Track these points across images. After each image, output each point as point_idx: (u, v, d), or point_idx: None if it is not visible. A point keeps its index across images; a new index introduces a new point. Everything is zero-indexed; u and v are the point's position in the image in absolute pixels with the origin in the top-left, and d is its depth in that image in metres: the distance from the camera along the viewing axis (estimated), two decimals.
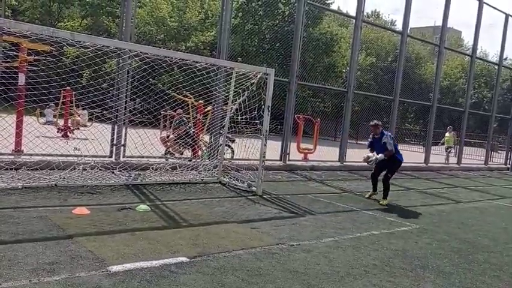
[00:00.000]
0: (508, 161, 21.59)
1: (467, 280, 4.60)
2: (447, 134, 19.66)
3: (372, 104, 25.32)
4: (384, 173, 9.10)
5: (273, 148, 12.17)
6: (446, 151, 19.50)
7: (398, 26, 33.81)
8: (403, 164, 16.59)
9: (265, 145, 8.45)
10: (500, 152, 24.30)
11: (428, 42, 25.21)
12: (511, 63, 26.84)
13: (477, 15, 18.06)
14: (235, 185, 8.86)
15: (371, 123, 9.13)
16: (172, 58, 7.81)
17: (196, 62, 7.95)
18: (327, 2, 30.10)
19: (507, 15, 19.25)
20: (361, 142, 28.80)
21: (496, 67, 21.01)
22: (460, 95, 33.15)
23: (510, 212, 9.48)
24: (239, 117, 9.07)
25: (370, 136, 9.14)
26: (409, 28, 16.41)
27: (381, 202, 8.76)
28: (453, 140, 19.69)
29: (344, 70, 27.93)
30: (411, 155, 19.66)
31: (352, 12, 14.62)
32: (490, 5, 18.31)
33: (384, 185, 8.94)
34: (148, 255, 4.36)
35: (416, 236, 6.33)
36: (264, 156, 8.52)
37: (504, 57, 22.05)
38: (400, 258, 5.15)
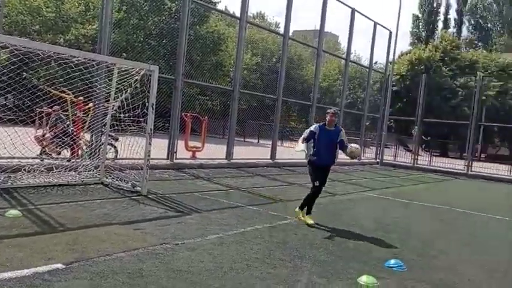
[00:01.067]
0: (378, 155, 23.77)
1: (338, 266, 5.00)
2: None
3: (259, 102, 26.12)
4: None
5: (160, 146, 11.97)
6: None
7: (282, 29, 35.18)
8: (287, 161, 17.56)
9: (150, 144, 8.28)
10: (371, 147, 26.66)
11: (307, 45, 26.65)
12: (380, 66, 29.57)
13: (350, 21, 19.59)
14: (118, 185, 8.55)
15: (330, 110, 7.19)
16: (46, 51, 7.27)
17: (73, 57, 7.50)
18: (213, 1, 30.31)
19: (375, 23, 21.18)
20: (248, 140, 29.61)
21: (368, 70, 22.98)
22: (337, 95, 35.67)
23: (378, 203, 10.47)
24: (122, 115, 8.75)
25: (316, 126, 7.11)
26: (291, 31, 17.25)
27: (308, 221, 7.04)
28: None
29: (231, 69, 28.37)
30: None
31: (238, 12, 14.90)
32: (361, 13, 19.98)
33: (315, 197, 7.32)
34: (18, 264, 4.03)
35: (296, 228, 6.70)
36: (149, 155, 8.35)
37: (374, 61, 24.24)
38: (280, 250, 5.42)
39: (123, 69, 8.52)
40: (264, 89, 26.70)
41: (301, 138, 7.10)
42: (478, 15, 69.95)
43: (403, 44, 62.32)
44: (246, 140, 29.85)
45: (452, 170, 22.23)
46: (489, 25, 69.74)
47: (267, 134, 24.73)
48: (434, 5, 68.71)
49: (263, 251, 5.30)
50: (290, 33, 18.74)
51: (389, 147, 27.92)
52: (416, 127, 23.61)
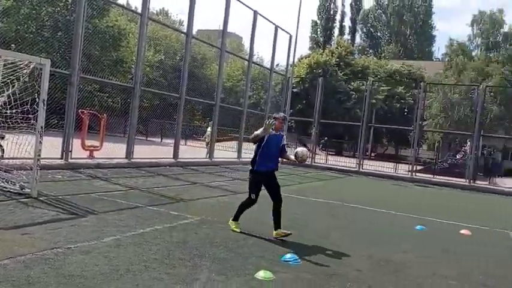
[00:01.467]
0: None
1: (237, 263, 5.11)
2: (209, 129, 20.08)
3: (162, 100, 25.60)
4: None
5: (54, 145, 11.26)
6: (207, 146, 19.68)
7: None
8: (190, 160, 17.46)
9: (40, 142, 7.74)
10: None
11: (211, 44, 26.72)
12: (281, 69, 30.63)
13: (252, 23, 20.01)
14: (4, 187, 7.87)
15: (279, 115, 6.76)
16: None
17: None
18: None
19: (276, 27, 21.87)
20: (151, 139, 28.91)
21: (269, 72, 23.63)
22: (241, 96, 36.24)
23: None
24: (9, 111, 8.07)
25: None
26: (195, 30, 17.18)
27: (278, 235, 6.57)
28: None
29: (133, 66, 27.47)
30: (200, 150, 20.64)
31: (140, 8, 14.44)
32: (263, 16, 20.49)
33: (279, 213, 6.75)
34: None
35: (197, 227, 6.71)
36: (40, 154, 7.80)
37: (276, 63, 25.02)
38: (180, 250, 5.39)
39: (10, 61, 7.86)
40: (167, 87, 26.27)
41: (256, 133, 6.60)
42: (369, 25, 75.50)
43: (303, 48, 65.13)
44: (149, 138, 29.14)
45: (345, 168, 23.74)
46: (379, 34, 75.64)
47: (171, 133, 24.37)
48: (331, 12, 72.86)
49: (162, 251, 5.23)
50: (194, 32, 18.66)
51: (290, 147, 28.94)
52: (314, 128, 24.82)
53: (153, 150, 17.91)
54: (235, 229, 6.70)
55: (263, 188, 6.77)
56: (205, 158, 18.91)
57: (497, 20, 51.11)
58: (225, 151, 24.60)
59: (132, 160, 14.20)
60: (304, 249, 6.09)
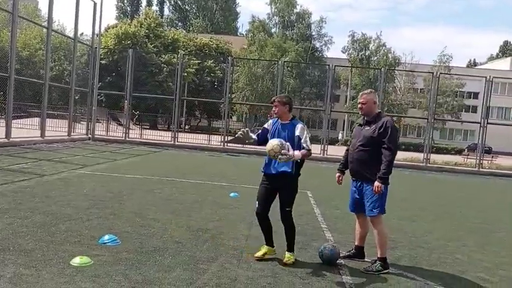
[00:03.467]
0: (89, 131, 23.16)
1: (49, 252, 4.69)
2: None
3: None
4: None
5: None
6: None
7: None
8: None
9: None
10: (82, 122, 25.72)
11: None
12: (87, 38, 28.53)
13: None
14: None
15: (276, 98, 5.15)
16: None
17: None
18: None
19: None
20: None
21: (73, 41, 21.80)
22: (41, 67, 32.60)
23: (92, 179, 10.22)
24: None
25: (270, 121, 5.28)
26: None
27: (286, 260, 5.02)
28: None
29: None
30: None
31: None
32: None
33: (288, 226, 5.18)
34: None
35: None
36: None
37: (80, 32, 23.16)
38: None
39: None
40: None
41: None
42: None
43: (110, 17, 61.73)
44: None
45: (161, 142, 23.74)
46: (187, 7, 76.38)
47: None
48: None
49: None
50: None
51: (100, 122, 27.54)
52: (126, 101, 24.01)
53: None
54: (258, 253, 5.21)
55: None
56: None
57: (291, 1, 56.59)
58: (26, 129, 22.06)
59: None
60: (123, 228, 5.94)
